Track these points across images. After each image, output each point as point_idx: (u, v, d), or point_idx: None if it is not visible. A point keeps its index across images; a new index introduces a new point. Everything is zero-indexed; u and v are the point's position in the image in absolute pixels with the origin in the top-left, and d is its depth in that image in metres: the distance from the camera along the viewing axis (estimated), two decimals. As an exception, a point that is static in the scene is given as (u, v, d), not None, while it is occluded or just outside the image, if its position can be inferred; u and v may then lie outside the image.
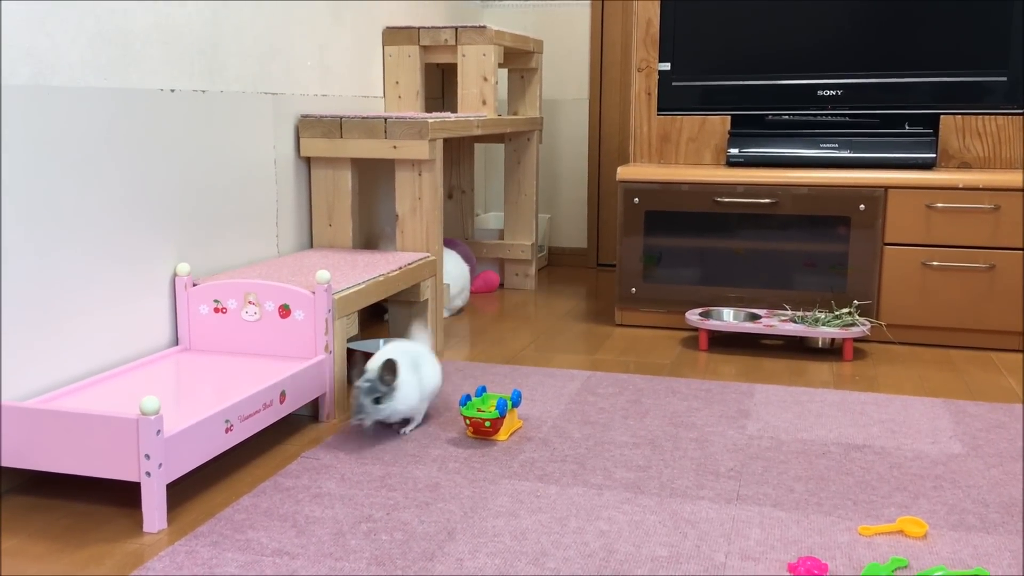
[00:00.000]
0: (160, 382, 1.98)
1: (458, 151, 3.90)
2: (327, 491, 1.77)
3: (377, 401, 1.95)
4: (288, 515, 1.66)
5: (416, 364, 2.07)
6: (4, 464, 1.66)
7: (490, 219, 4.35)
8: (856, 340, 2.91)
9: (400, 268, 2.53)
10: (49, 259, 1.84)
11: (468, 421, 2.06)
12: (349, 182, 2.74)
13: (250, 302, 2.18)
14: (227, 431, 1.76)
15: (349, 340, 2.41)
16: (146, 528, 1.60)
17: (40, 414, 1.63)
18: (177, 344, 2.22)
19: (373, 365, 1.98)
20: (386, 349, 2.08)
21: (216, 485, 1.80)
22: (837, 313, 2.84)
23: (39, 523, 1.63)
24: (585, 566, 1.49)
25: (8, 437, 1.64)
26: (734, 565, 1.50)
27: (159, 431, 1.57)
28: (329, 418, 2.17)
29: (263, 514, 1.66)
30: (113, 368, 2.00)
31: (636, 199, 3.07)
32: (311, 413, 2.19)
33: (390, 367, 1.97)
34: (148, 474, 1.57)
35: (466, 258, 3.54)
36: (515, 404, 2.11)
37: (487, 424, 2.04)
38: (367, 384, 1.95)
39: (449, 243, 3.53)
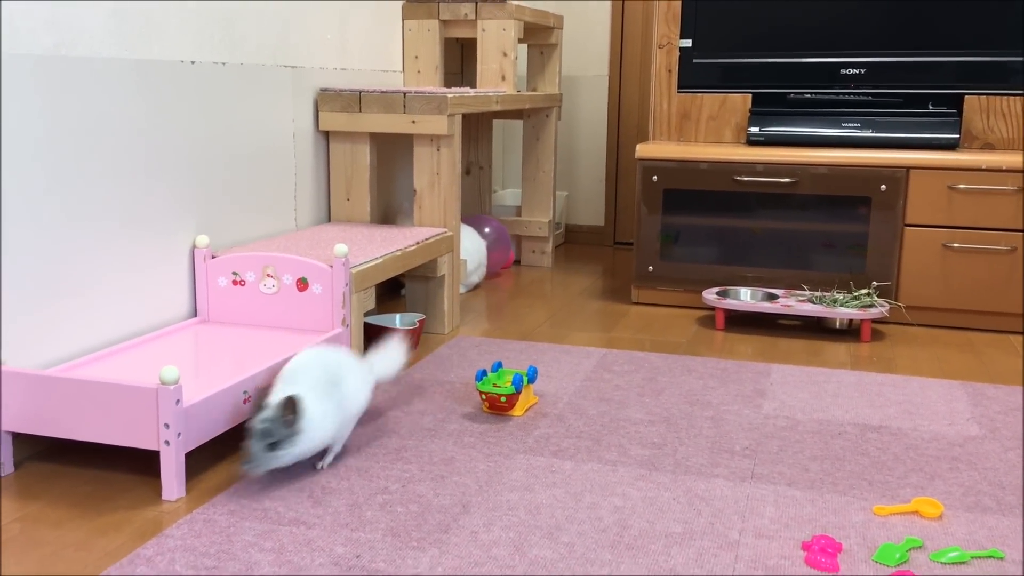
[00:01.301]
0: (179, 353, 2.00)
1: (476, 127, 3.89)
2: (343, 463, 1.78)
3: (273, 447, 1.59)
4: (304, 486, 1.68)
5: (334, 383, 1.72)
6: (25, 431, 1.68)
7: (507, 196, 4.34)
8: (874, 321, 2.89)
9: (417, 243, 2.53)
10: (70, 230, 1.85)
11: (484, 396, 2.06)
12: (367, 156, 2.73)
13: (268, 275, 2.19)
14: (245, 402, 1.77)
15: (366, 315, 2.42)
16: (165, 496, 1.62)
17: (61, 382, 1.64)
18: (196, 316, 2.23)
19: (273, 400, 1.62)
20: (298, 363, 1.73)
21: (234, 455, 1.82)
22: (856, 294, 2.82)
23: (59, 490, 1.65)
24: (599, 541, 1.50)
25: (28, 405, 1.66)
26: (748, 542, 1.50)
27: (178, 401, 1.58)
28: (346, 391, 2.18)
29: (280, 485, 1.68)
30: (132, 338, 2.02)
31: (655, 177, 3.05)
32: (328, 386, 2.20)
33: (292, 406, 1.60)
34: (167, 443, 1.59)
35: (500, 236, 3.53)
36: (531, 380, 2.11)
37: (503, 400, 2.05)
38: (262, 426, 1.58)
39: (482, 220, 3.53)
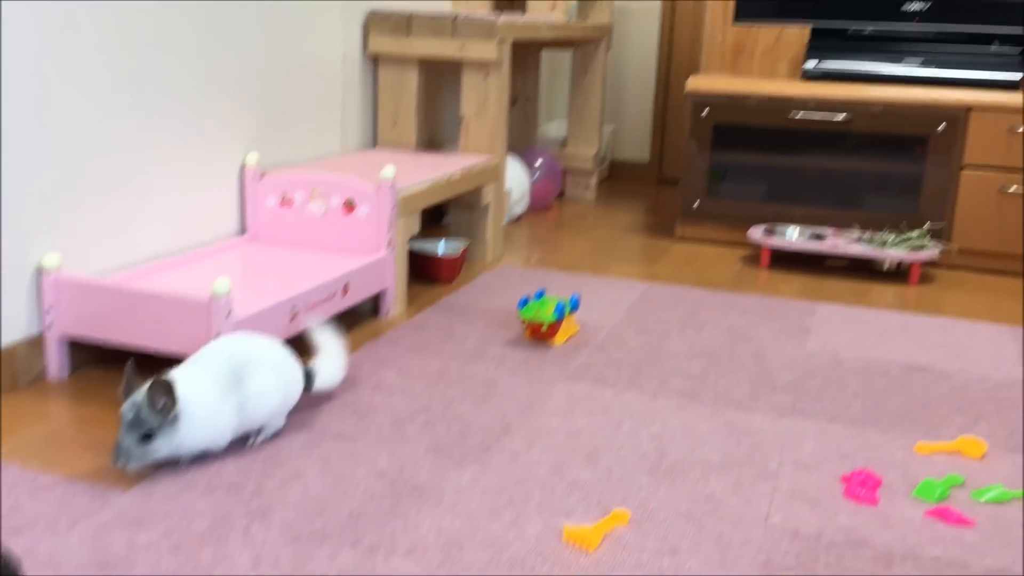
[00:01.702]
0: (228, 269, 2.02)
1: (524, 56, 3.84)
2: (387, 382, 1.81)
3: (147, 438, 1.36)
4: (349, 402, 1.71)
5: (238, 379, 1.47)
6: (81, 337, 1.73)
7: (553, 128, 4.30)
8: (924, 264, 2.84)
9: (463, 170, 2.52)
10: (127, 145, 1.87)
11: (526, 323, 2.07)
12: (415, 82, 2.71)
13: (316, 196, 2.20)
14: (292, 319, 1.80)
15: (410, 240, 2.43)
16: (213, 406, 1.66)
17: (116, 291, 1.68)
18: (244, 234, 2.26)
19: (145, 385, 1.38)
20: (207, 348, 1.51)
21: (280, 371, 1.85)
22: (906, 236, 2.77)
23: (111, 396, 1.69)
24: (637, 466, 1.51)
25: (84, 311, 1.70)
26: (787, 474, 1.50)
27: (229, 313, 1.61)
28: (389, 314, 2.21)
29: (325, 399, 1.71)
30: (184, 253, 2.05)
31: (705, 111, 3.00)
32: (372, 308, 2.23)
33: (163, 388, 1.37)
34: (217, 354, 1.62)
35: (551, 169, 3.51)
36: (573, 309, 2.11)
37: (544, 327, 2.06)
38: (130, 415, 1.36)
39: (534, 153, 3.50)
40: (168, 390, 1.37)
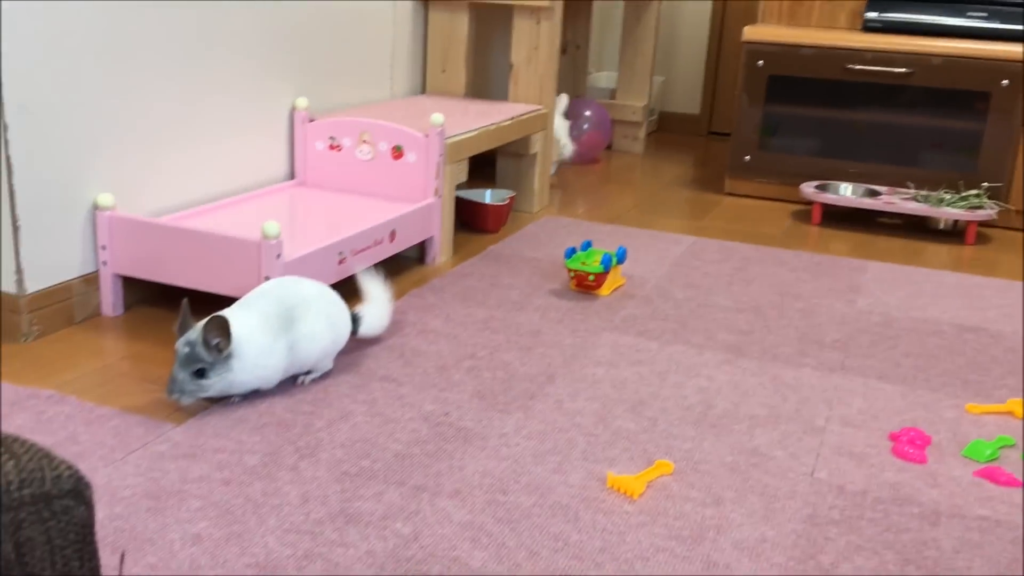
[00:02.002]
0: (277, 212, 2.04)
1: (576, 4, 3.78)
2: (432, 328, 1.82)
3: (200, 374, 1.39)
4: (395, 346, 1.72)
5: (289, 319, 1.49)
6: (134, 275, 1.76)
7: (602, 78, 4.24)
8: (981, 224, 2.78)
9: (512, 119, 2.50)
10: (180, 90, 1.88)
11: (572, 274, 2.07)
12: (466, 28, 2.69)
13: (364, 141, 2.20)
14: (340, 263, 1.81)
15: (457, 187, 2.43)
16: (263, 346, 1.68)
17: (169, 230, 1.70)
18: (293, 178, 2.27)
19: (201, 323, 1.41)
20: (258, 290, 1.53)
21: (327, 314, 1.86)
22: (964, 194, 2.71)
23: (165, 333, 1.72)
24: (682, 418, 1.51)
25: (138, 250, 1.73)
26: (834, 429, 1.49)
27: (279, 255, 1.62)
28: (435, 261, 2.21)
29: (372, 343, 1.73)
30: (234, 196, 2.07)
31: (760, 62, 2.94)
32: (418, 255, 2.24)
33: (218, 326, 1.39)
34: (267, 295, 1.64)
35: (600, 122, 3.47)
36: (620, 261, 2.10)
37: (591, 278, 2.05)
38: (185, 350, 1.39)
39: (583, 103, 3.46)
40: (223, 329, 1.40)
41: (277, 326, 1.47)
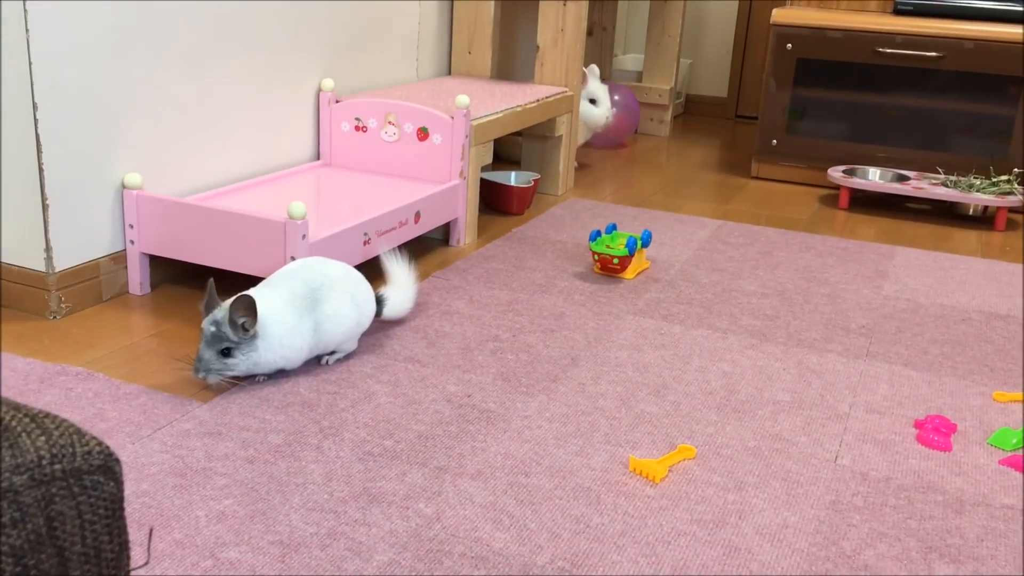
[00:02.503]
0: (303, 193, 2.05)
1: (602, -14, 3.75)
2: (456, 310, 1.82)
3: (226, 353, 1.40)
4: (419, 327, 1.73)
5: (314, 300, 1.49)
6: (162, 255, 1.78)
7: (628, 60, 4.21)
8: (1011, 210, 2.74)
9: (538, 101, 2.49)
10: (208, 71, 1.88)
11: (596, 257, 2.06)
12: (492, 9, 2.68)
13: (390, 122, 2.20)
14: (365, 244, 1.82)
15: (482, 169, 2.42)
16: (288, 326, 1.69)
17: (196, 210, 1.71)
18: (319, 159, 2.28)
19: (227, 302, 1.42)
20: (284, 270, 1.53)
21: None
22: (994, 180, 2.67)
23: (191, 311, 1.74)
24: (706, 402, 1.51)
25: (166, 230, 1.75)
26: (858, 416, 1.48)
27: (304, 236, 1.63)
28: (459, 243, 2.21)
29: (396, 324, 1.73)
30: (259, 176, 2.08)
31: (789, 45, 2.91)
32: (442, 237, 2.24)
33: (245, 306, 1.40)
34: (292, 275, 1.65)
35: (628, 105, 3.43)
36: (645, 244, 2.09)
37: (615, 261, 2.04)
38: (212, 330, 1.40)
39: (614, 88, 3.44)
40: (250, 308, 1.40)
41: (303, 306, 1.48)
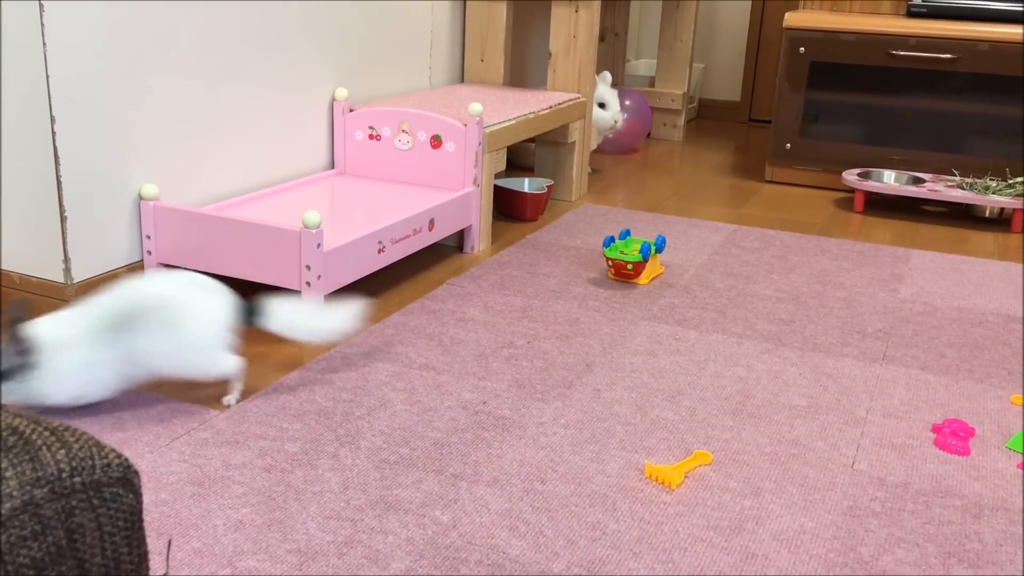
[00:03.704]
0: (317, 202, 2.06)
1: (614, -9, 3.76)
2: (471, 316, 1.83)
3: (2, 376, 1.31)
4: (434, 335, 1.73)
5: (121, 330, 1.37)
6: (177, 265, 1.79)
7: (641, 66, 4.21)
8: (1028, 212, 2.72)
9: (551, 107, 2.50)
10: (222, 82, 1.90)
11: (610, 263, 2.06)
12: (504, 16, 2.68)
13: (403, 131, 2.21)
14: (379, 252, 1.83)
15: (496, 176, 2.43)
16: (303, 335, 1.70)
17: (212, 220, 1.73)
18: (333, 168, 2.29)
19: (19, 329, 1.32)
20: (103, 296, 1.40)
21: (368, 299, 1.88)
22: (1011, 182, 2.65)
23: (208, 322, 1.75)
24: (721, 408, 1.50)
25: (181, 240, 1.76)
26: (875, 420, 1.48)
27: (319, 244, 1.64)
28: (474, 249, 2.22)
29: (411, 332, 1.74)
30: (274, 185, 2.09)
31: (802, 48, 2.90)
32: (456, 244, 2.25)
33: (16, 337, 1.31)
34: (308, 284, 1.66)
35: (640, 111, 3.43)
36: (659, 250, 2.09)
37: (629, 267, 2.04)
38: None
39: (623, 93, 3.44)
40: (24, 339, 1.31)
41: (102, 337, 1.36)
